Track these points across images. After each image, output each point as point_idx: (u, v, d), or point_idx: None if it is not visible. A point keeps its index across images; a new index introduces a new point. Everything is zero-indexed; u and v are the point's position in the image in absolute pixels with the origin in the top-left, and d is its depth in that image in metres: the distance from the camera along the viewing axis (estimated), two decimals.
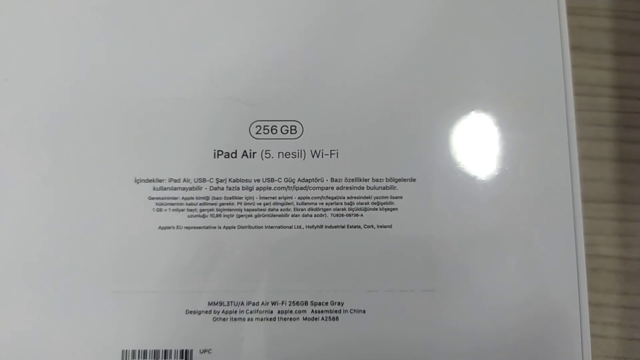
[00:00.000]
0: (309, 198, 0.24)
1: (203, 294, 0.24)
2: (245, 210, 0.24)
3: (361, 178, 0.24)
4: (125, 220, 0.24)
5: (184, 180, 0.24)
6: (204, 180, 0.24)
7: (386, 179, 0.24)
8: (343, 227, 0.24)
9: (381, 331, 0.23)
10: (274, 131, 0.25)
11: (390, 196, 0.24)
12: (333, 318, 0.24)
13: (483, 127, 0.25)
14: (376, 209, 0.24)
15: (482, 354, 0.23)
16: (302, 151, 0.24)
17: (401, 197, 0.24)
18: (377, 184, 0.24)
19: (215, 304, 0.24)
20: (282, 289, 0.24)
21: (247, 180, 0.24)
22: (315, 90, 0.25)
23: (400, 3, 0.26)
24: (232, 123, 0.25)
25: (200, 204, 0.24)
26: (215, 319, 0.24)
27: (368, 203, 0.24)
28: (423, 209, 0.24)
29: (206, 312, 0.24)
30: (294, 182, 0.24)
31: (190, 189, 0.24)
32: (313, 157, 0.24)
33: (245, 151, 0.24)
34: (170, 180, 0.24)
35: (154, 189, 0.24)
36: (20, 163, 0.24)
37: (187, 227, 0.24)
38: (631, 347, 0.25)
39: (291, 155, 0.24)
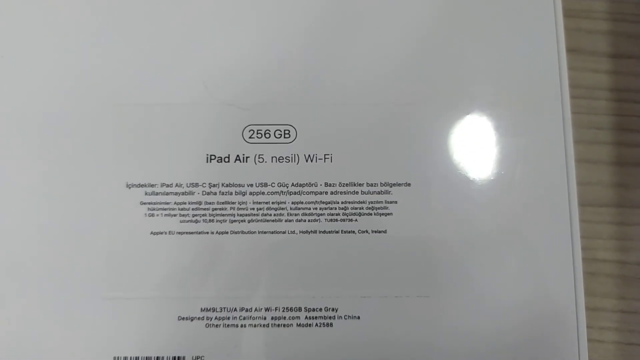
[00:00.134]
0: (302, 203, 0.24)
1: (196, 300, 0.23)
2: (238, 215, 0.24)
3: (355, 183, 0.24)
4: (117, 225, 0.24)
5: (177, 185, 0.24)
6: (197, 185, 0.24)
7: (381, 183, 0.24)
8: (337, 232, 0.24)
9: (375, 337, 0.23)
10: (267, 135, 0.24)
11: (385, 201, 0.24)
12: (327, 324, 0.23)
13: (479, 130, 0.25)
14: (371, 214, 0.24)
15: None
16: (296, 155, 0.24)
17: (396, 202, 0.24)
18: (372, 189, 0.24)
19: (208, 310, 0.23)
20: (275, 295, 0.24)
21: (240, 185, 0.24)
22: (309, 94, 0.25)
23: (394, 8, 0.25)
24: (225, 127, 0.24)
25: (192, 209, 0.24)
26: (208, 326, 0.23)
27: (362, 208, 0.24)
28: (418, 214, 0.24)
29: (199, 318, 0.23)
30: (287, 187, 0.24)
31: (183, 193, 0.24)
32: (307, 161, 0.24)
33: (238, 155, 0.24)
34: (163, 185, 0.24)
35: (145, 193, 0.24)
36: (12, 168, 0.24)
37: (179, 233, 0.24)
38: (629, 352, 0.25)
39: (285, 159, 0.24)
